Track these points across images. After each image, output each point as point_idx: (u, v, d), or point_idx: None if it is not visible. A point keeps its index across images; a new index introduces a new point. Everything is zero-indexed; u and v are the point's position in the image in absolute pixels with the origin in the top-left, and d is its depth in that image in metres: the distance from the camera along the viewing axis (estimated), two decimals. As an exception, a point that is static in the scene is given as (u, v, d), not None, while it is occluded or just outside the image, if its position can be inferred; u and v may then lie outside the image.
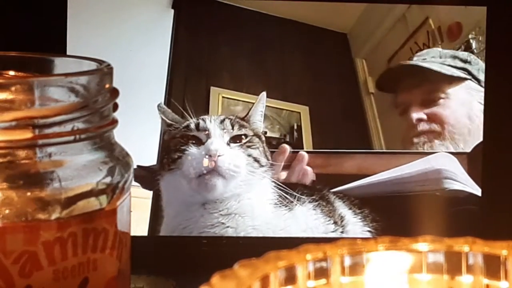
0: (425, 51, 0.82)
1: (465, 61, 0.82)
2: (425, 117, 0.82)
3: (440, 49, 0.82)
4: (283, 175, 0.82)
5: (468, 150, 0.82)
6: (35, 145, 0.40)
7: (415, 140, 0.82)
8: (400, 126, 0.83)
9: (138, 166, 0.80)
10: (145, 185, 0.81)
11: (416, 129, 0.82)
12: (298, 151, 0.82)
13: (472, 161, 0.82)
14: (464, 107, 0.82)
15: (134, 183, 0.45)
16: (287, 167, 0.82)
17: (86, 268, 0.41)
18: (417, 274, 0.37)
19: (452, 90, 0.82)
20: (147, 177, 0.80)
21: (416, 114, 0.82)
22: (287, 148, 0.82)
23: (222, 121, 0.80)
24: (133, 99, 0.79)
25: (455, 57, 0.82)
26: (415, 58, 0.82)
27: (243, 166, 0.79)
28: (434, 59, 0.82)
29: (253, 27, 0.82)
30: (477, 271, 0.36)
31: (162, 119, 0.81)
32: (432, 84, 0.82)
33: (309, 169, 0.82)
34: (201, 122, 0.80)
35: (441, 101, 0.82)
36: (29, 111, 0.39)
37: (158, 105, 0.81)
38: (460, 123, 0.82)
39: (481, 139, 0.82)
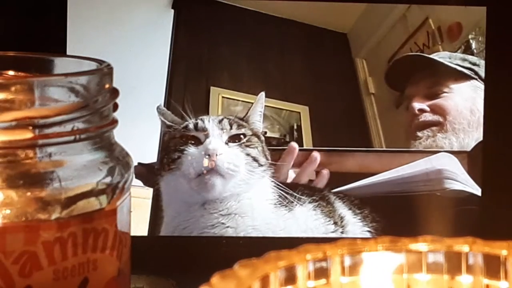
0: (435, 53, 0.83)
1: (474, 64, 0.82)
2: (427, 108, 0.82)
3: (451, 52, 0.83)
4: (292, 175, 0.82)
5: (468, 140, 0.82)
6: (35, 145, 0.40)
7: (419, 134, 0.82)
8: (403, 121, 0.83)
9: (139, 163, 0.80)
10: (146, 182, 0.81)
11: (418, 121, 0.82)
12: (306, 150, 0.82)
13: (473, 160, 0.82)
14: (467, 102, 0.82)
15: (134, 183, 0.45)
16: (297, 165, 0.82)
17: (86, 268, 0.41)
18: (417, 274, 0.37)
19: (457, 86, 0.83)
20: (148, 174, 0.80)
21: (418, 105, 0.82)
22: (296, 147, 0.82)
23: (220, 121, 0.80)
24: (133, 99, 0.79)
25: (464, 60, 0.82)
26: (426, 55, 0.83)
27: (242, 166, 0.79)
28: (442, 58, 0.83)
29: (253, 27, 0.82)
30: (477, 271, 0.37)
31: (162, 120, 0.81)
32: (438, 78, 0.83)
33: (325, 171, 0.82)
34: (199, 122, 0.80)
35: (444, 94, 0.83)
36: (29, 111, 0.39)
37: (158, 107, 0.81)
38: (461, 115, 0.82)
39: (481, 130, 0.82)
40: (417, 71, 0.83)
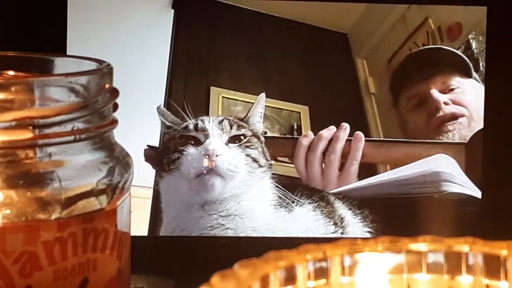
0: None
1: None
2: (449, 101, 0.82)
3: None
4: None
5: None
6: (35, 145, 0.40)
7: (449, 127, 0.82)
8: (418, 119, 0.83)
9: (148, 145, 0.80)
10: (156, 165, 0.80)
11: (443, 113, 0.82)
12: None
13: (471, 152, 0.82)
14: (479, 97, 0.82)
15: (134, 182, 0.45)
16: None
17: (86, 268, 0.41)
18: (417, 274, 0.37)
19: (464, 82, 0.82)
20: (158, 157, 0.80)
21: (441, 98, 0.82)
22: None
23: (220, 122, 0.80)
24: (133, 99, 0.79)
25: None
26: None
27: (242, 166, 0.79)
28: None
29: (253, 27, 0.82)
30: (477, 271, 0.37)
31: (162, 121, 0.81)
32: (448, 73, 0.82)
33: (359, 134, 0.82)
34: (199, 122, 0.80)
35: (457, 89, 0.82)
36: (29, 111, 0.39)
37: (158, 108, 0.81)
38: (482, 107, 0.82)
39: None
40: (432, 65, 0.83)
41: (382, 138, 0.83)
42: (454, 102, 0.82)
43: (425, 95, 0.83)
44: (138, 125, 0.79)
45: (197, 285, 0.32)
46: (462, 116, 0.82)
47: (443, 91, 0.83)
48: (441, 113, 0.82)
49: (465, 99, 0.82)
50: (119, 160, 0.43)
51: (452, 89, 0.83)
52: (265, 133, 0.82)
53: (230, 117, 0.81)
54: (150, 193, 0.81)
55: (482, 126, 0.81)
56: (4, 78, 0.45)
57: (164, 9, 0.82)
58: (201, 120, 0.80)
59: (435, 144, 0.82)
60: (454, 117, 0.82)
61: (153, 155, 0.80)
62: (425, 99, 0.83)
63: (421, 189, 0.82)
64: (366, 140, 0.82)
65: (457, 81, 0.83)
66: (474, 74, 0.82)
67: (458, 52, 0.82)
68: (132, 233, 0.45)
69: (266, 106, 0.82)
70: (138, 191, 0.80)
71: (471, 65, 0.82)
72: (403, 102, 0.83)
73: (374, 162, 0.82)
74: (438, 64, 0.83)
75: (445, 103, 0.82)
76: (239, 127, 0.80)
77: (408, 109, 0.83)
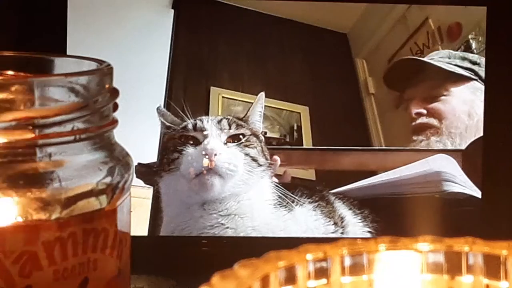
0: (435, 52, 0.82)
1: (474, 63, 0.82)
2: (424, 111, 0.82)
3: (450, 50, 0.83)
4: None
5: (464, 146, 0.82)
6: (35, 145, 0.40)
7: (414, 137, 0.82)
8: (401, 123, 0.83)
9: (138, 163, 0.80)
10: (147, 181, 0.81)
11: (415, 124, 0.82)
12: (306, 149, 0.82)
13: (467, 159, 0.82)
14: (466, 105, 0.82)
15: (134, 183, 0.45)
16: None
17: (86, 268, 0.41)
18: (417, 274, 0.37)
19: (456, 89, 0.82)
20: (148, 173, 0.80)
21: (416, 109, 0.82)
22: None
23: (219, 121, 0.80)
24: (133, 99, 0.79)
25: (464, 59, 0.82)
26: (424, 58, 0.83)
27: (241, 165, 0.79)
28: (442, 59, 0.82)
29: (253, 27, 0.82)
30: (477, 271, 0.36)
31: (161, 121, 0.81)
32: (436, 81, 0.83)
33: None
34: (198, 122, 0.80)
35: (442, 97, 0.83)
36: (29, 111, 0.39)
37: (157, 108, 0.81)
38: (459, 119, 0.82)
39: (478, 135, 0.82)
40: (415, 74, 0.83)
41: (383, 147, 0.83)
42: (430, 113, 0.82)
43: (410, 101, 0.83)
44: (138, 125, 0.79)
45: (197, 285, 0.32)
46: (431, 128, 0.82)
47: (427, 99, 0.83)
48: (413, 123, 0.83)
49: (444, 109, 0.82)
50: (119, 160, 0.43)
51: (437, 97, 0.83)
52: (265, 133, 0.82)
53: (229, 117, 0.81)
54: (150, 193, 0.81)
55: (455, 139, 0.82)
56: (4, 78, 0.45)
57: (164, 9, 0.82)
58: (200, 119, 0.80)
59: (436, 152, 0.82)
60: (422, 128, 0.82)
61: (144, 172, 0.80)
62: (409, 105, 0.83)
63: (421, 189, 0.82)
64: (366, 149, 0.82)
65: (445, 89, 0.83)
66: (475, 82, 0.82)
67: (441, 65, 0.82)
68: (132, 233, 0.45)
69: (266, 106, 0.82)
70: (138, 191, 0.80)
71: (466, 72, 0.82)
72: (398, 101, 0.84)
73: (375, 170, 0.82)
74: (426, 73, 0.83)
75: (419, 114, 0.82)
76: (238, 126, 0.80)
77: (401, 110, 0.83)
